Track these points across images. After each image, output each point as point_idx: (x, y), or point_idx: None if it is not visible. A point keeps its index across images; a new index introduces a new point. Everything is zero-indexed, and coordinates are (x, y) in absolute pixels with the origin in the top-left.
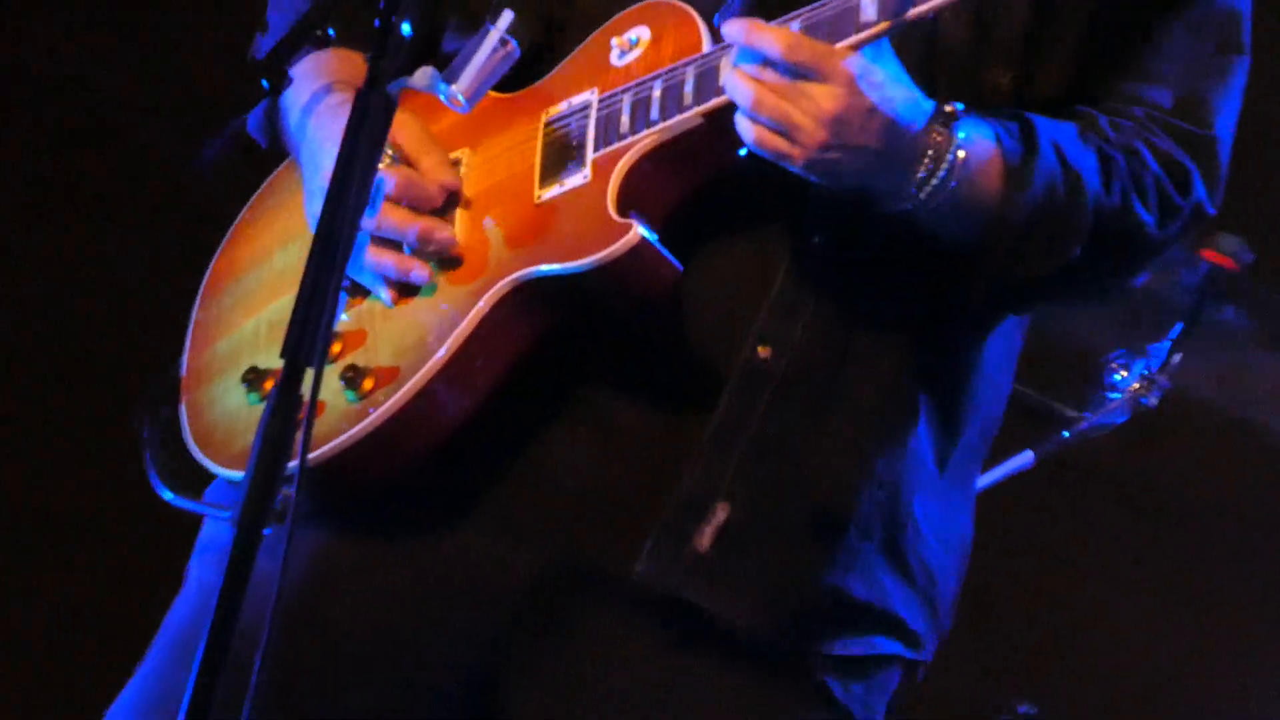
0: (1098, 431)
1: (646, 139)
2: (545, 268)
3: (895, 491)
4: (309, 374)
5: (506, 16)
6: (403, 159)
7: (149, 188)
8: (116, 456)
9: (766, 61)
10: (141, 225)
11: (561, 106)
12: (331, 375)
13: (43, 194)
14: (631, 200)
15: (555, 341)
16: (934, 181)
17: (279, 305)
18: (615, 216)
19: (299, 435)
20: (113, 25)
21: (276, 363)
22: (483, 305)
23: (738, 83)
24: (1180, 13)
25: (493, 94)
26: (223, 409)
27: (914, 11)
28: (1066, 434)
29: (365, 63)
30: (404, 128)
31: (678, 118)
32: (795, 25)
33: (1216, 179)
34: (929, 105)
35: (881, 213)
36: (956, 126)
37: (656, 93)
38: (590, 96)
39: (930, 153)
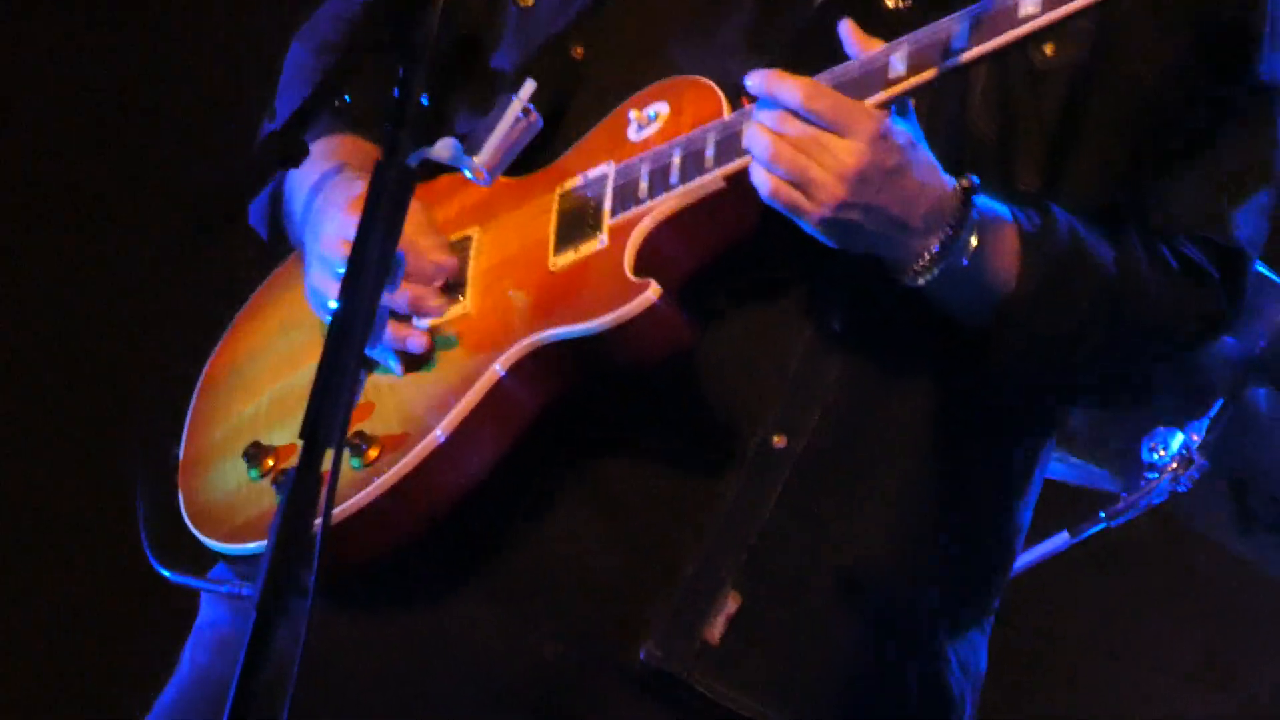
0: (1135, 511)
1: (666, 202)
2: (560, 330)
3: (915, 587)
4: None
5: (529, 86)
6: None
7: (152, 189)
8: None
9: (788, 112)
10: (144, 227)
11: (577, 179)
12: None
13: (43, 198)
14: (649, 265)
15: (565, 410)
16: (948, 257)
17: (281, 385)
18: (632, 276)
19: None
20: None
21: (279, 439)
22: (496, 369)
23: (756, 133)
24: (1216, 116)
25: (502, 178)
26: (221, 487)
27: (948, 65)
28: (1103, 515)
29: (379, 144)
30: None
31: (698, 180)
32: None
33: (1239, 291)
34: (948, 176)
35: (893, 288)
36: (974, 200)
37: (676, 159)
38: (607, 169)
39: (948, 225)
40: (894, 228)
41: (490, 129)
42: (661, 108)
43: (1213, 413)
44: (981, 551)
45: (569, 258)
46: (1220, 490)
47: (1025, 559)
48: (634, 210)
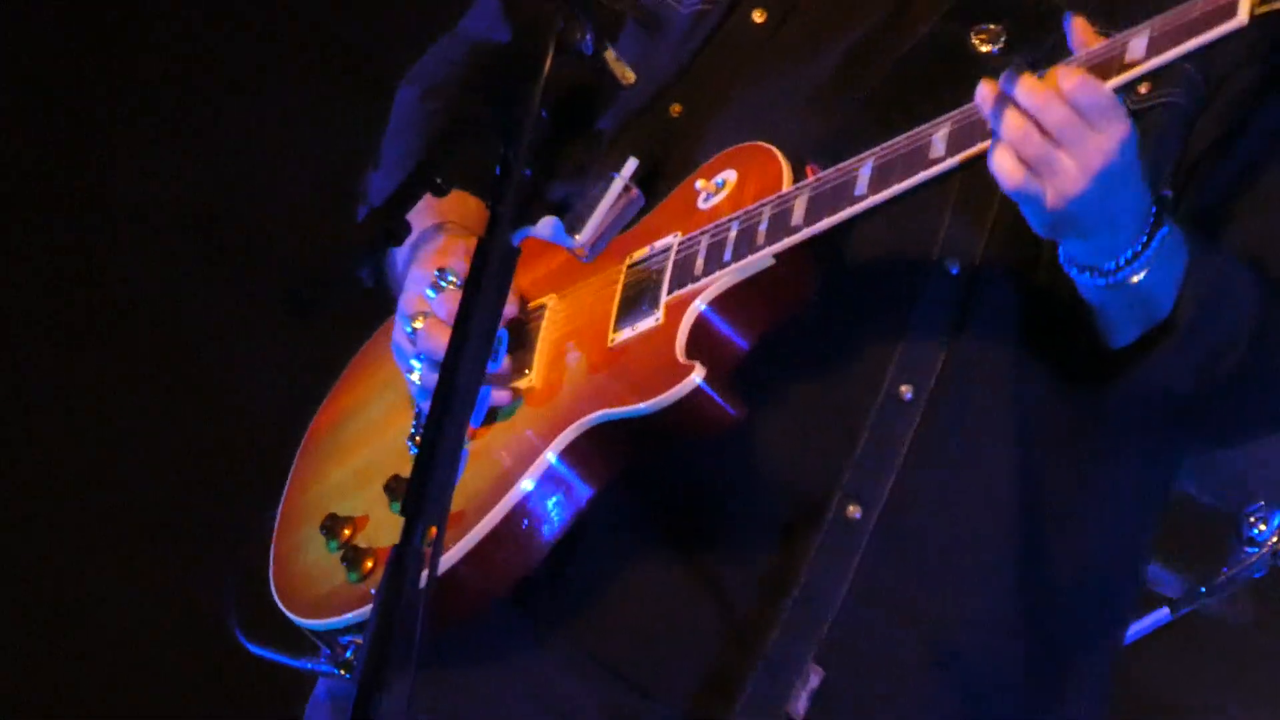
0: (1234, 586)
1: (719, 280)
2: (609, 412)
3: (1009, 654)
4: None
5: (631, 164)
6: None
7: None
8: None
9: (1047, 97)
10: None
11: (645, 250)
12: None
13: (142, 263)
14: (703, 342)
15: (645, 474)
16: (1136, 263)
17: (366, 455)
18: (680, 358)
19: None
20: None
21: (355, 510)
22: (548, 456)
23: (1009, 115)
24: None
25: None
26: (303, 557)
27: (1177, 50)
28: (1204, 590)
29: (478, 204)
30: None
31: (749, 258)
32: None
33: None
34: (1148, 188)
35: (1067, 285)
36: (1167, 216)
37: (732, 234)
38: (672, 240)
39: (1146, 234)
40: (1110, 228)
41: (592, 206)
42: (730, 175)
43: None
44: (1081, 613)
45: (626, 335)
46: None
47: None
48: (689, 288)
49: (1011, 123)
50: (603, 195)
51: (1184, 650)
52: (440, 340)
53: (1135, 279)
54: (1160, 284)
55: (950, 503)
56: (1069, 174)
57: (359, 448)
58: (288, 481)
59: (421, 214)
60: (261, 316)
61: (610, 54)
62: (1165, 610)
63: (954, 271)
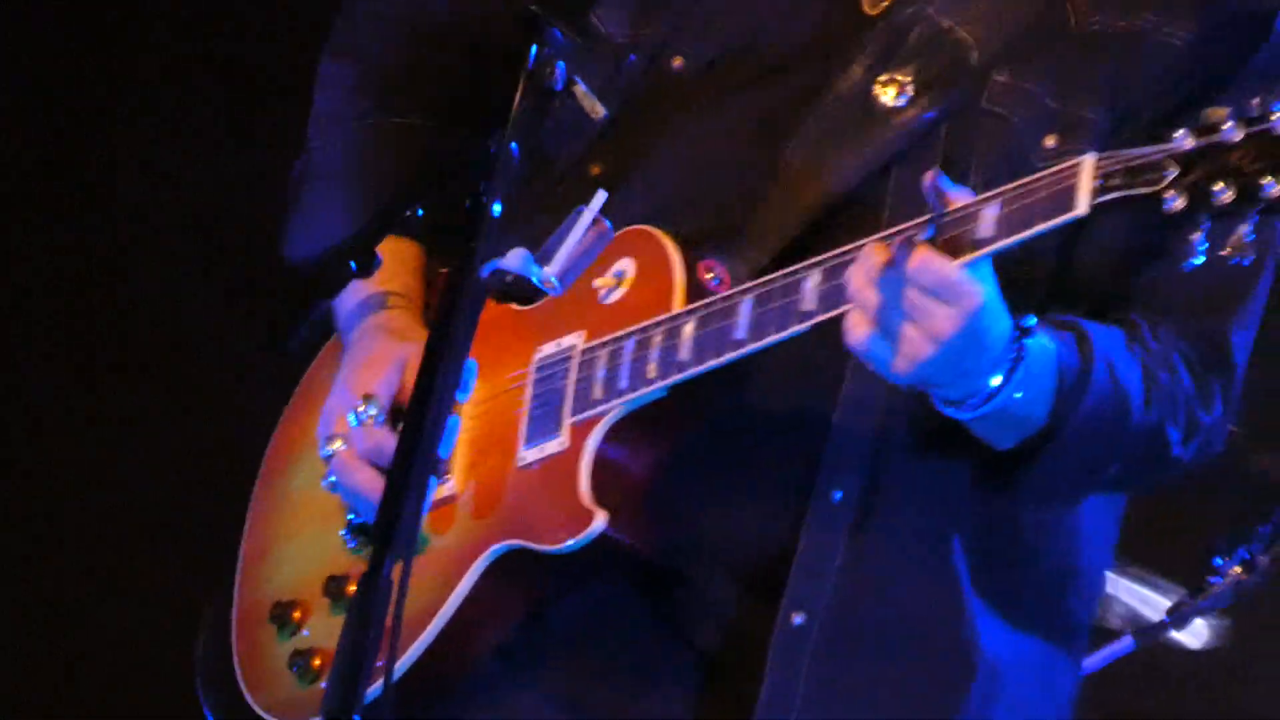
0: (1200, 614)
1: (614, 409)
2: (518, 543)
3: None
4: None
5: (600, 196)
6: (386, 409)
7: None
8: None
9: (899, 274)
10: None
11: (549, 347)
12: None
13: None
14: (608, 469)
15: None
16: (999, 396)
17: (308, 533)
18: (583, 501)
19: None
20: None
21: (299, 593)
22: (472, 575)
23: (865, 290)
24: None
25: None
26: (262, 653)
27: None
28: (1167, 619)
29: (412, 249)
30: (399, 374)
31: (642, 390)
32: (922, 236)
33: (1232, 404)
34: (1009, 321)
35: (887, 459)
36: (1027, 341)
37: (626, 358)
38: (576, 341)
39: (1003, 368)
40: (960, 375)
41: (561, 239)
42: (627, 267)
43: (1273, 523)
44: (1031, 669)
45: (535, 454)
46: None
47: (1089, 663)
48: (589, 414)
49: (865, 296)
50: (572, 228)
51: (1150, 678)
52: (353, 478)
53: (996, 412)
54: (1027, 404)
55: (891, 597)
56: (915, 342)
57: (301, 520)
58: (244, 534)
59: (363, 300)
60: (258, 318)
61: (579, 88)
62: (1129, 638)
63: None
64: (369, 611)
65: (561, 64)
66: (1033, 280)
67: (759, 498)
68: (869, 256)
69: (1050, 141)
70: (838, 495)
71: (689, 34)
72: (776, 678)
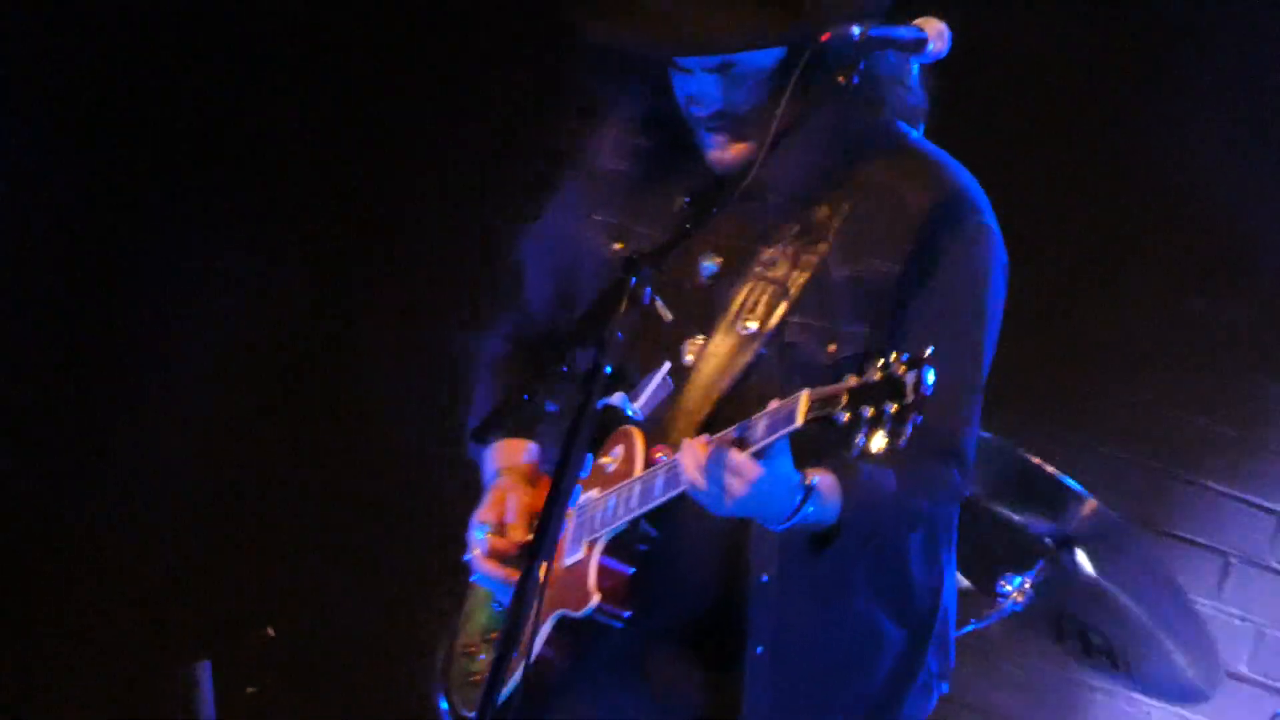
0: (995, 618)
1: (603, 534)
2: (563, 612)
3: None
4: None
5: (667, 365)
6: (497, 530)
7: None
8: None
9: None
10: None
11: (582, 498)
12: (486, 651)
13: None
14: (606, 570)
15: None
16: (795, 518)
17: (480, 610)
18: (590, 587)
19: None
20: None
21: (473, 641)
22: (546, 630)
23: (692, 473)
24: (929, 305)
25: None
26: (456, 669)
27: (782, 432)
28: (973, 621)
29: (522, 444)
30: (515, 509)
31: (615, 523)
32: (735, 433)
33: (966, 470)
34: (798, 479)
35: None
36: (813, 491)
37: (611, 505)
38: (593, 495)
39: (797, 506)
40: (761, 512)
41: (643, 390)
42: (619, 451)
43: (1038, 567)
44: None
45: (570, 560)
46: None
47: None
48: (592, 536)
49: (692, 476)
50: (650, 382)
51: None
52: (484, 569)
53: (800, 527)
54: (819, 520)
55: (812, 632)
56: (731, 492)
57: (480, 600)
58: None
59: (492, 456)
60: None
61: (658, 302)
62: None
63: None
64: (524, 596)
65: (648, 289)
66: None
67: (709, 584)
68: (691, 448)
69: (831, 349)
70: (765, 577)
71: None
72: (753, 693)
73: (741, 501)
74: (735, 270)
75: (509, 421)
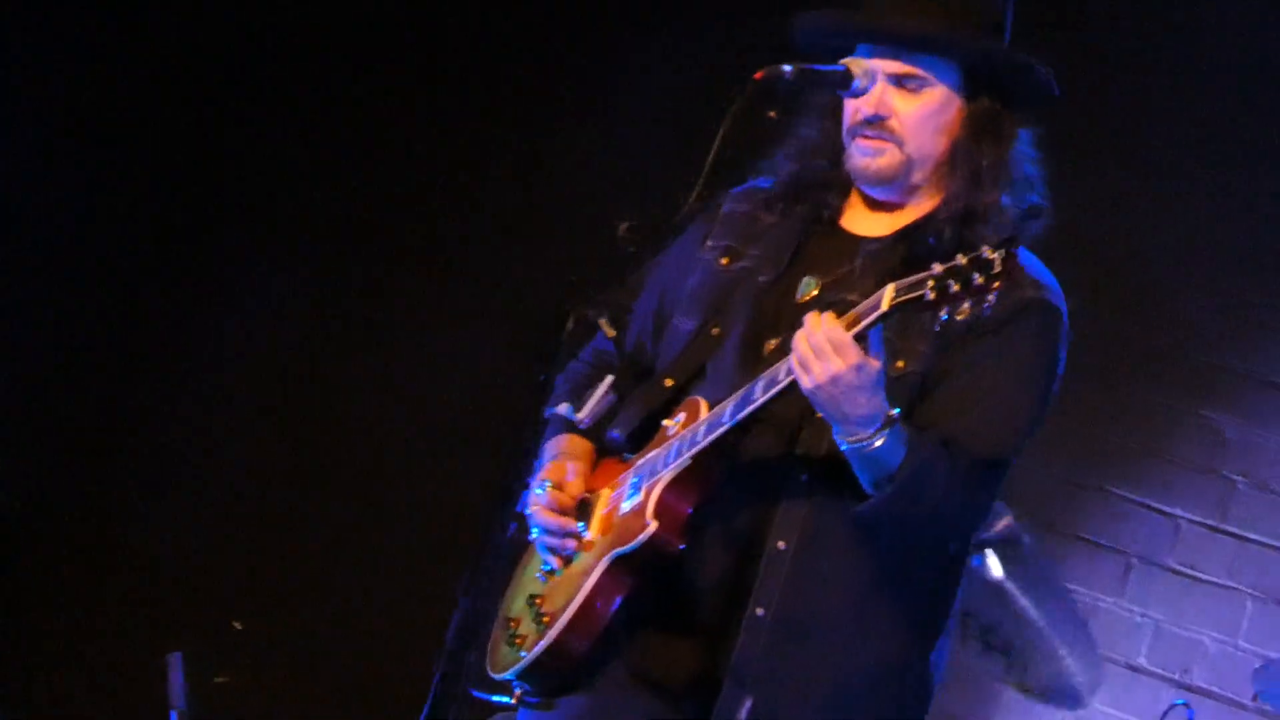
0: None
1: (666, 474)
2: (619, 550)
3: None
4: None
5: (609, 379)
6: (558, 485)
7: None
8: None
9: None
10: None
11: (640, 461)
12: (529, 615)
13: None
14: (663, 508)
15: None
16: (862, 444)
17: (530, 570)
18: (647, 519)
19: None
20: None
21: (516, 611)
22: (597, 573)
23: (799, 337)
24: (997, 370)
25: (619, 463)
26: (496, 637)
27: (872, 316)
28: None
29: (581, 438)
30: (573, 472)
31: (676, 461)
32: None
33: (993, 494)
34: (885, 407)
35: (838, 451)
36: (897, 417)
37: (675, 448)
38: (654, 453)
39: (875, 426)
40: (839, 414)
41: (590, 398)
42: (681, 415)
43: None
44: (912, 640)
45: (627, 507)
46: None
47: None
48: (654, 479)
49: (798, 344)
50: (595, 394)
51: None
52: (543, 520)
53: (865, 451)
54: (885, 457)
55: (818, 605)
56: (814, 372)
57: (529, 567)
58: (510, 579)
59: (555, 444)
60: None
61: (603, 320)
62: None
63: (804, 479)
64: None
65: (591, 310)
66: (901, 400)
67: (738, 543)
68: (810, 318)
69: (900, 364)
70: (783, 546)
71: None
72: (748, 650)
73: (834, 380)
74: (828, 293)
75: (576, 400)
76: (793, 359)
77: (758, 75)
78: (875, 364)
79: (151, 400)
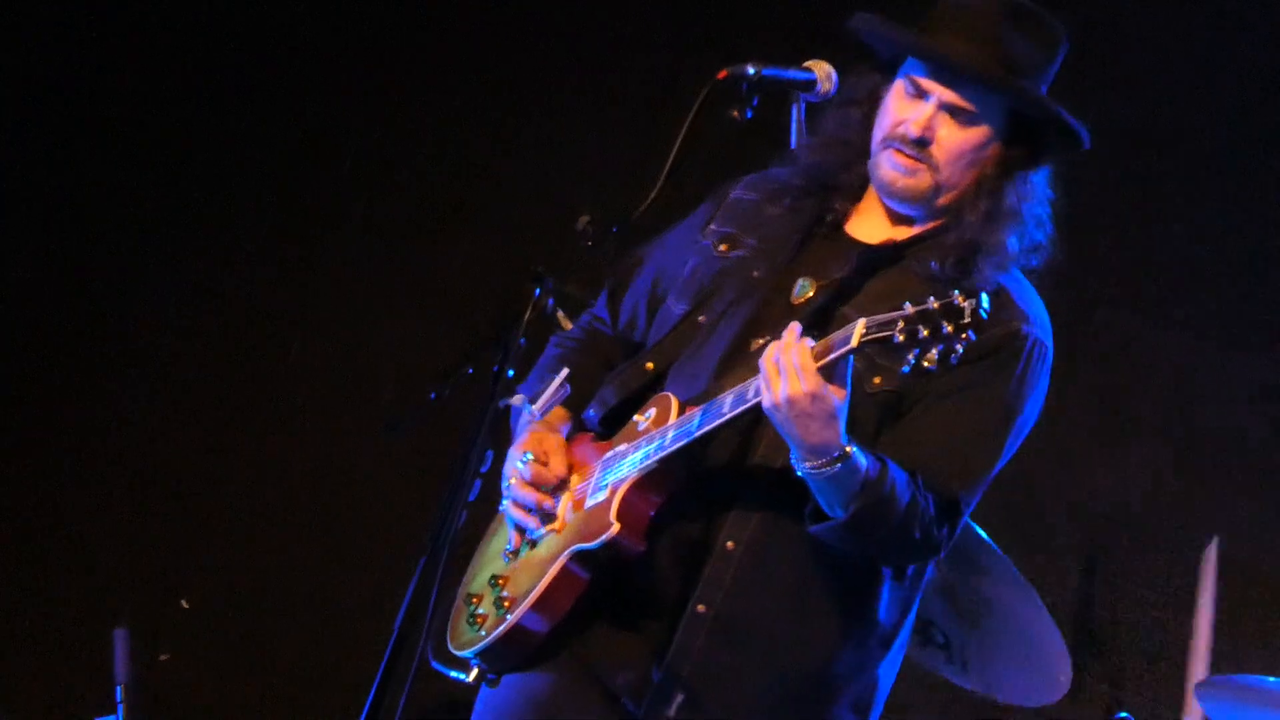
0: None
1: (632, 475)
2: (581, 545)
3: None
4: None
5: (565, 372)
6: (541, 460)
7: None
8: None
9: (785, 354)
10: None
11: (610, 451)
12: (490, 596)
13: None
14: (626, 509)
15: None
16: (825, 468)
17: (493, 547)
18: (610, 519)
19: None
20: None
21: (479, 589)
22: (557, 565)
23: (766, 354)
24: (962, 403)
25: (594, 442)
26: (460, 618)
27: (841, 350)
28: None
29: (563, 413)
30: (554, 448)
31: (642, 465)
32: (810, 342)
33: (955, 529)
34: (843, 439)
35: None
36: (852, 454)
37: (640, 451)
38: (623, 448)
39: (827, 457)
40: (793, 436)
41: (544, 391)
42: (652, 411)
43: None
44: (853, 648)
45: (592, 502)
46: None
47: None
48: (619, 479)
49: (766, 360)
50: (550, 385)
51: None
52: (520, 494)
53: (816, 478)
54: (836, 487)
55: (761, 607)
56: (775, 390)
57: (493, 548)
58: (474, 556)
59: (530, 417)
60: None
61: (560, 313)
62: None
63: (760, 484)
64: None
65: (551, 300)
66: (862, 425)
67: (688, 542)
68: (788, 330)
69: (876, 380)
70: (731, 547)
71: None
72: (684, 643)
73: (790, 403)
74: (823, 296)
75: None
76: (760, 374)
77: (721, 74)
78: (836, 395)
79: (102, 380)
